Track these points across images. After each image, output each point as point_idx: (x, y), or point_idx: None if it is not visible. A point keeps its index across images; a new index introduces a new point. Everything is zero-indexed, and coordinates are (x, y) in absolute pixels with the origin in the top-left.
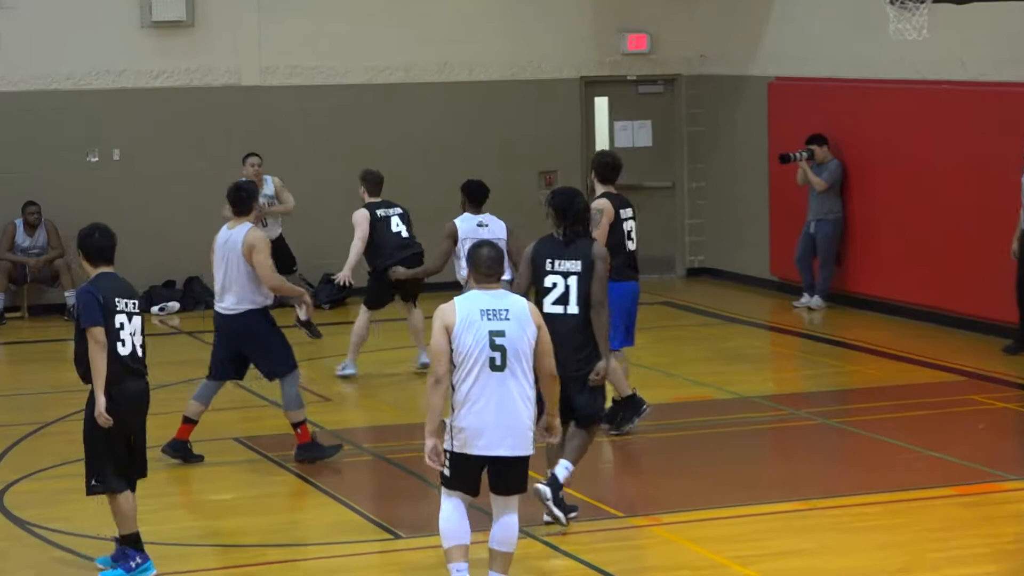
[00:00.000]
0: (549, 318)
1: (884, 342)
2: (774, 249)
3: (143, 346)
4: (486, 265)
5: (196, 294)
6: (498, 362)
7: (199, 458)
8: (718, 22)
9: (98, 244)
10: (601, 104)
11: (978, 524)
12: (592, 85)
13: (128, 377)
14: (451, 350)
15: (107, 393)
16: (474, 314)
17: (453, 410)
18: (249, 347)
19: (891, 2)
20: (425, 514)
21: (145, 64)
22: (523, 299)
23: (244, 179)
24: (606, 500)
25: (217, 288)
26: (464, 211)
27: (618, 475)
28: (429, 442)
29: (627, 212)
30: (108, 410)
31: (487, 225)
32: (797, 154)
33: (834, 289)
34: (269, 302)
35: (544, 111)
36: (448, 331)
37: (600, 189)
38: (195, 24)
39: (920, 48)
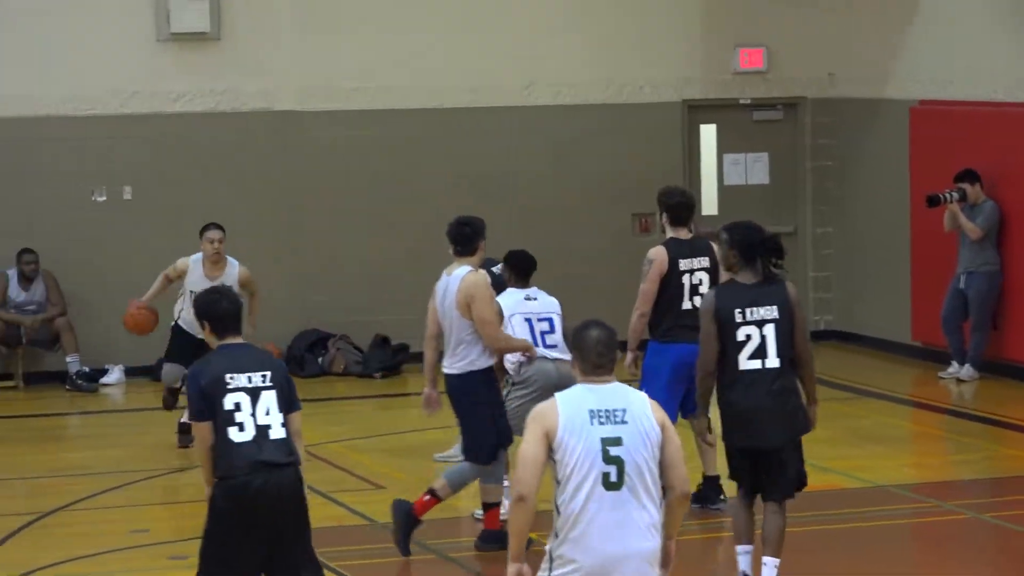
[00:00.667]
0: (746, 375)
1: None
2: (916, 308)
3: (284, 426)
4: (597, 352)
5: None
6: (613, 478)
7: None
8: (849, 34)
9: (226, 311)
10: (708, 133)
11: None
12: (697, 110)
13: (251, 469)
14: (552, 461)
15: (223, 489)
16: (581, 415)
17: (556, 535)
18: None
19: None
20: None
21: (162, 84)
22: (643, 394)
23: (465, 216)
24: None
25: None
26: (509, 286)
27: None
28: (512, 568)
29: (691, 263)
30: (222, 509)
31: (535, 299)
32: (947, 194)
33: (988, 357)
34: (491, 362)
35: (639, 141)
36: (548, 437)
37: (669, 232)
38: (221, 37)
39: None
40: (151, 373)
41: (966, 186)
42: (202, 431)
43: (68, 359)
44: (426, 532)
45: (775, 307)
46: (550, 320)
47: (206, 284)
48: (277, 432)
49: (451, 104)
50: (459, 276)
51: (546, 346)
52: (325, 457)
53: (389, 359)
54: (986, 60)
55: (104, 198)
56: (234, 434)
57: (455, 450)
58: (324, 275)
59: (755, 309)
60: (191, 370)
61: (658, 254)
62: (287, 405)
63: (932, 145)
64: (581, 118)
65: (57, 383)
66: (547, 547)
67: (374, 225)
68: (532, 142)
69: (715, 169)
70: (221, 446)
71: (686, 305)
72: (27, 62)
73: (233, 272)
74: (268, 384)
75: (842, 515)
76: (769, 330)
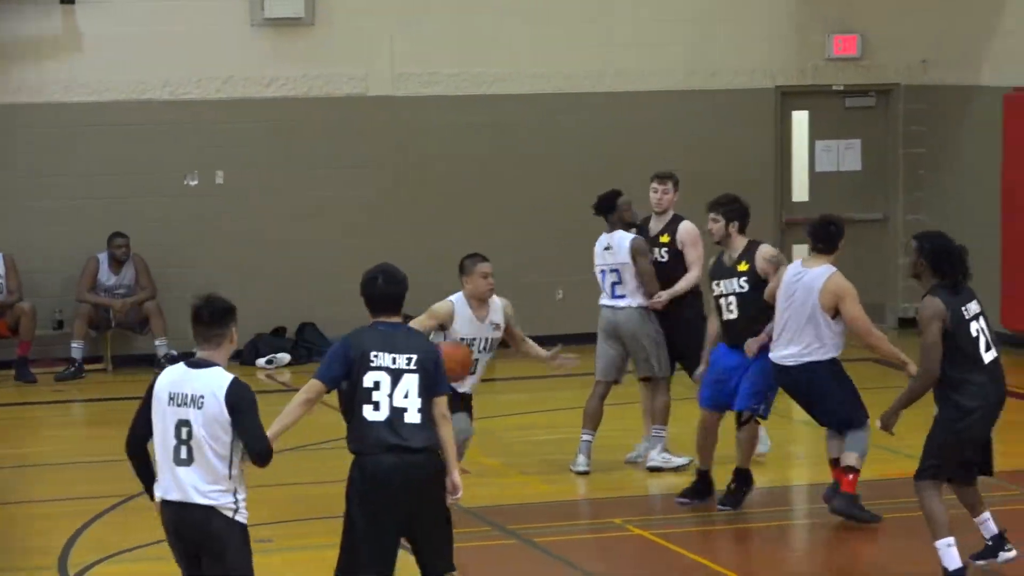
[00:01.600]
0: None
1: None
2: (1007, 296)
3: (422, 411)
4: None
5: (309, 343)
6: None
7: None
8: (943, 20)
9: (381, 292)
10: (800, 119)
11: None
12: (790, 96)
13: (382, 450)
14: None
15: (358, 466)
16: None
17: None
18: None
19: None
20: None
21: (256, 70)
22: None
23: (830, 215)
24: None
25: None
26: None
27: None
28: None
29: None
30: (359, 486)
31: (610, 247)
32: None
33: None
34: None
35: (731, 128)
36: None
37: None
38: (315, 22)
39: None
40: (238, 358)
41: None
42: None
43: (157, 343)
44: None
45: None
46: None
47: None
48: (412, 416)
49: (544, 90)
50: (821, 275)
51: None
52: None
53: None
54: None
55: (196, 182)
56: (369, 412)
57: (641, 449)
58: (414, 261)
59: (967, 306)
60: (343, 337)
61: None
62: (430, 389)
63: None
64: (675, 104)
65: (146, 366)
66: None
67: (471, 208)
68: (625, 129)
69: (807, 155)
70: (356, 423)
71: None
72: (124, 48)
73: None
74: (412, 367)
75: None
76: (983, 324)
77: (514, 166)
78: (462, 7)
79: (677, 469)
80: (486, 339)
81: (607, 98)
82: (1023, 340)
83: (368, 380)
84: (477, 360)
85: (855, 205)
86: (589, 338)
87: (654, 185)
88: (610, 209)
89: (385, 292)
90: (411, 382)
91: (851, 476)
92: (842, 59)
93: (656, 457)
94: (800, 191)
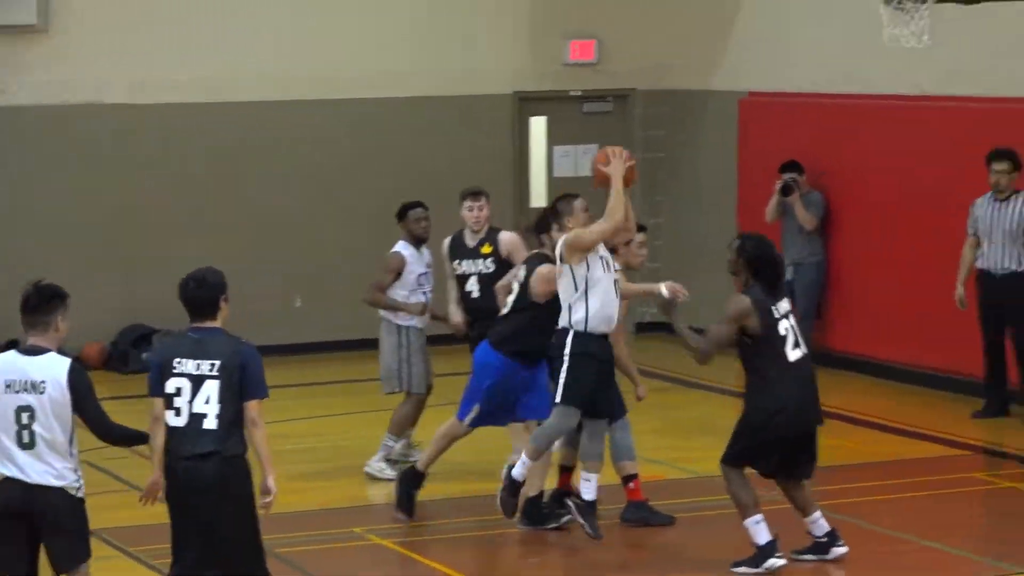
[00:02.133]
0: (798, 365)
1: (873, 410)
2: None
3: (220, 417)
4: None
5: None
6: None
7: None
8: (679, 25)
9: (191, 296)
10: (538, 125)
11: None
12: (528, 102)
13: (180, 455)
14: None
15: (166, 470)
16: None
17: None
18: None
19: (886, 2)
20: None
21: None
22: None
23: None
24: None
25: None
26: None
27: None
28: None
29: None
30: (167, 493)
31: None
32: (792, 181)
33: (813, 346)
34: None
35: (471, 133)
36: None
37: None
38: (49, 30)
39: (921, 59)
40: None
41: (796, 176)
42: (155, 406)
43: None
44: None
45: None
46: None
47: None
48: (210, 422)
49: (284, 97)
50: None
51: None
52: (145, 453)
53: None
54: (815, 51)
55: None
56: (171, 418)
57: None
58: (148, 270)
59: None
60: (155, 346)
61: None
62: (235, 395)
63: (760, 136)
64: (413, 110)
65: None
66: None
67: (203, 222)
68: (364, 134)
69: (545, 161)
70: (167, 429)
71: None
72: None
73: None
74: (214, 373)
75: (672, 506)
76: (793, 321)
77: (250, 174)
78: (203, 10)
79: (391, 481)
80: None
81: (344, 104)
82: None
83: (171, 386)
84: None
85: (594, 210)
86: (325, 347)
87: (468, 203)
88: (400, 218)
89: (194, 296)
90: (212, 388)
91: (634, 483)
92: (579, 64)
93: (373, 465)
94: (538, 196)
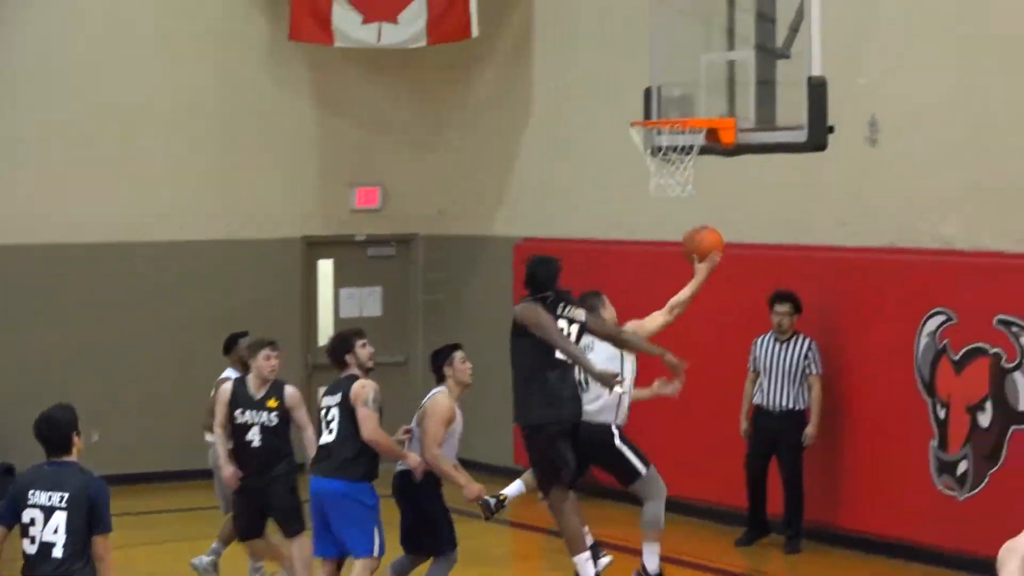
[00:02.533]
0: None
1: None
2: (519, 432)
3: (66, 547)
4: None
5: None
6: None
7: None
8: (458, 174)
9: (41, 436)
10: (325, 268)
11: None
12: (315, 246)
13: None
14: None
15: None
16: None
17: None
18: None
19: (652, 154)
20: None
21: None
22: None
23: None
24: None
25: None
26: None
27: None
28: None
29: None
30: None
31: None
32: None
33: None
34: None
35: (261, 275)
36: None
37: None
38: None
39: (685, 206)
40: None
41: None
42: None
43: None
44: None
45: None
46: None
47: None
48: (57, 551)
49: (72, 240)
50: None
51: None
52: None
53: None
54: (587, 199)
55: None
56: (27, 546)
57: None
58: None
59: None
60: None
61: None
62: (83, 527)
63: None
64: (203, 253)
65: None
66: None
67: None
68: (155, 279)
69: (332, 302)
70: (23, 554)
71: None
72: None
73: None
74: (63, 505)
75: None
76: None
77: (23, 316)
78: None
79: None
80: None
81: (137, 247)
82: None
83: (26, 516)
84: None
85: (378, 348)
86: (125, 479)
87: (267, 352)
88: (227, 349)
89: (43, 436)
90: (60, 519)
91: None
92: (364, 210)
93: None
94: (326, 336)
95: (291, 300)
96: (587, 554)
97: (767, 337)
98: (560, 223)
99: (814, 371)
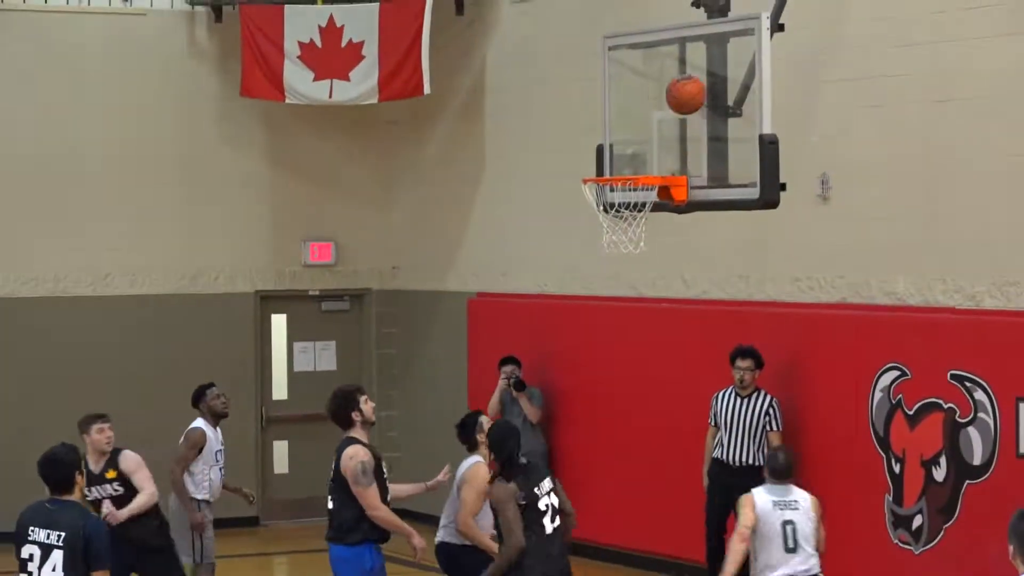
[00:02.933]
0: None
1: None
2: None
3: None
4: None
5: None
6: None
7: None
8: (412, 230)
9: (42, 475)
10: (279, 322)
11: None
12: (269, 300)
13: None
14: None
15: None
16: None
17: None
18: None
19: (604, 211)
20: None
21: None
22: None
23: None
24: None
25: None
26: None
27: None
28: None
29: None
30: None
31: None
32: (516, 381)
33: None
34: None
35: (215, 330)
36: None
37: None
38: None
39: (637, 263)
40: None
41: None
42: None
43: None
44: None
45: None
46: None
47: None
48: None
49: (20, 294)
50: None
51: None
52: None
53: None
54: (540, 255)
55: None
56: None
57: None
58: None
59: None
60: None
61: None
62: (80, 565)
63: (488, 333)
64: (157, 307)
65: None
66: None
67: None
68: (109, 332)
69: (286, 357)
70: None
71: None
72: None
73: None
74: (59, 544)
75: None
76: None
77: None
78: None
79: None
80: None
81: (93, 302)
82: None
83: (25, 552)
84: None
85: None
86: None
87: (98, 426)
88: (196, 400)
89: (46, 475)
90: (57, 557)
91: None
92: (317, 265)
93: None
94: (280, 390)
95: (245, 354)
96: None
97: (728, 392)
98: (513, 279)
99: (775, 427)
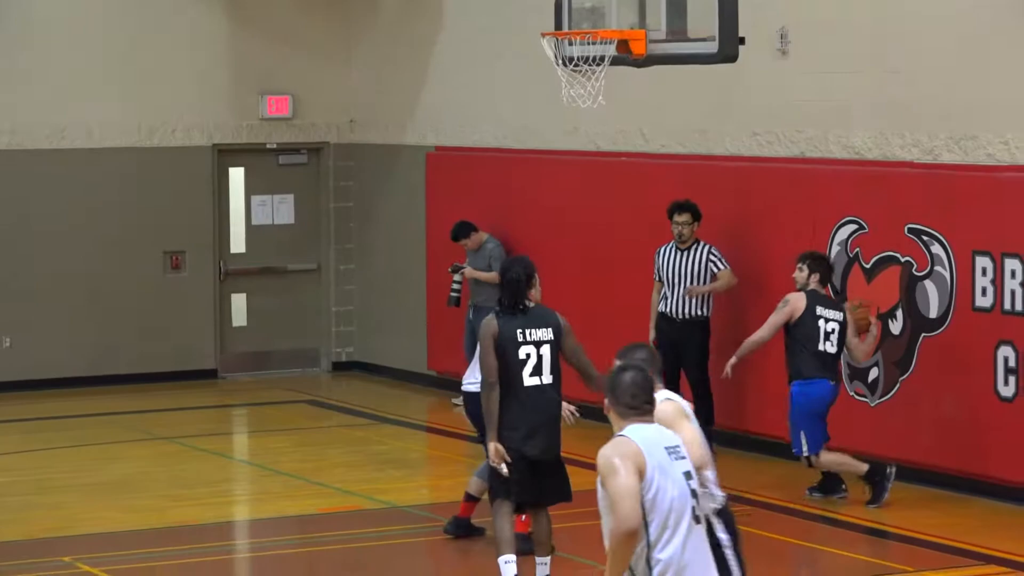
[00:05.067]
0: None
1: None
2: (432, 340)
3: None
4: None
5: None
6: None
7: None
8: (370, 83)
9: (517, 277)
10: (236, 176)
11: None
12: (226, 154)
13: None
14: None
15: None
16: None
17: None
18: None
19: (563, 65)
20: None
21: None
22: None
23: None
24: None
25: None
26: None
27: None
28: None
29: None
30: None
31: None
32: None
33: None
34: None
35: (172, 183)
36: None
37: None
38: None
39: (598, 116)
40: None
41: (466, 241)
42: None
43: None
44: None
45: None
46: None
47: None
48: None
49: None
50: None
51: None
52: None
53: None
54: (499, 109)
55: None
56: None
57: None
58: None
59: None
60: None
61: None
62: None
63: (447, 188)
64: (115, 161)
65: None
66: None
67: None
68: (66, 186)
69: (244, 210)
70: None
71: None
72: None
73: None
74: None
75: (365, 534)
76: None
77: None
78: None
79: None
80: None
81: (50, 156)
82: (447, 380)
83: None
84: None
85: (290, 256)
86: (37, 384)
87: None
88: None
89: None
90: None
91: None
92: (276, 119)
93: None
94: (238, 243)
95: (203, 207)
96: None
97: (669, 247)
98: (472, 132)
99: (720, 267)
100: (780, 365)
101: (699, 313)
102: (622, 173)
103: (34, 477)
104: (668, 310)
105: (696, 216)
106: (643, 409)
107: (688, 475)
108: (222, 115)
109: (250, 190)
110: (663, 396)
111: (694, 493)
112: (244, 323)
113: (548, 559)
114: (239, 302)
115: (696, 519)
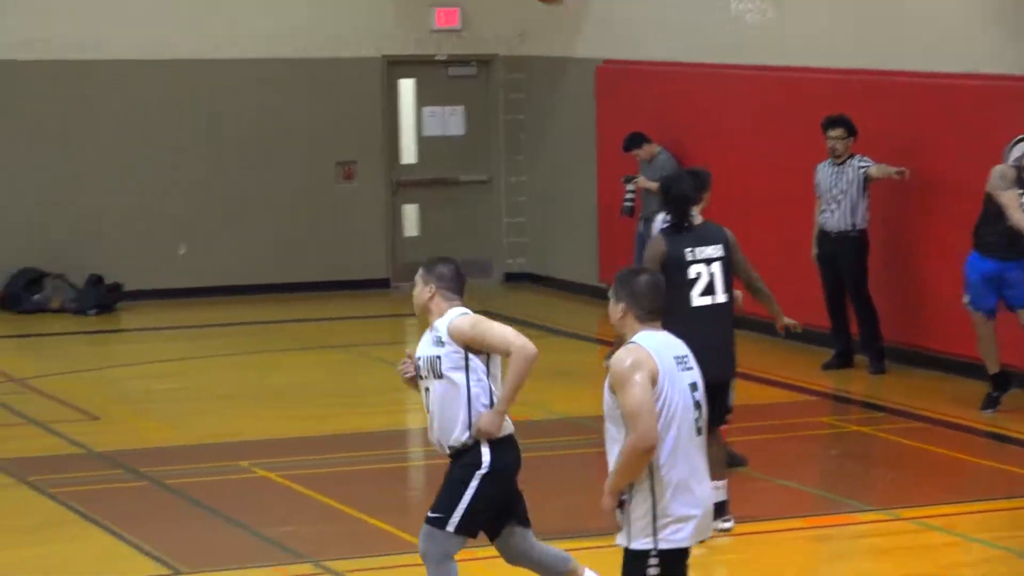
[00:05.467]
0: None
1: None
2: (603, 253)
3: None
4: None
5: None
6: (700, 423)
7: None
8: None
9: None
10: (407, 87)
11: (831, 560)
12: (396, 66)
13: None
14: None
15: None
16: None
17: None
18: None
19: None
20: (206, 547)
21: None
22: None
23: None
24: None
25: None
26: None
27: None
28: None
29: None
30: None
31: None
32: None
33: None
34: None
35: (342, 95)
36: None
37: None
38: None
39: (766, 30)
40: None
41: (638, 152)
42: None
43: None
44: (141, 460)
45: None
46: None
47: None
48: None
49: (159, 56)
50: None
51: None
52: (40, 389)
53: (103, 297)
54: (668, 23)
55: None
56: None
57: None
58: (41, 215)
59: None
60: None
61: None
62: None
63: (617, 101)
64: (288, 71)
65: None
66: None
67: (94, 175)
68: (241, 94)
69: (414, 121)
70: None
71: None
72: None
73: None
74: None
75: (536, 444)
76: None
77: (136, 131)
78: None
79: None
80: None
81: (216, 66)
82: None
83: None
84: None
85: (461, 167)
86: (210, 291)
87: None
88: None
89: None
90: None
91: None
92: (445, 31)
93: None
94: (409, 154)
95: (373, 119)
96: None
97: (826, 163)
98: (642, 46)
99: (873, 170)
100: (954, 280)
101: (854, 226)
102: (791, 88)
103: (202, 383)
104: (825, 225)
105: (850, 131)
106: (659, 313)
107: (694, 386)
108: (391, 27)
109: (421, 101)
110: (459, 312)
111: (697, 405)
112: (416, 233)
113: (723, 483)
114: (411, 213)
115: (698, 430)
